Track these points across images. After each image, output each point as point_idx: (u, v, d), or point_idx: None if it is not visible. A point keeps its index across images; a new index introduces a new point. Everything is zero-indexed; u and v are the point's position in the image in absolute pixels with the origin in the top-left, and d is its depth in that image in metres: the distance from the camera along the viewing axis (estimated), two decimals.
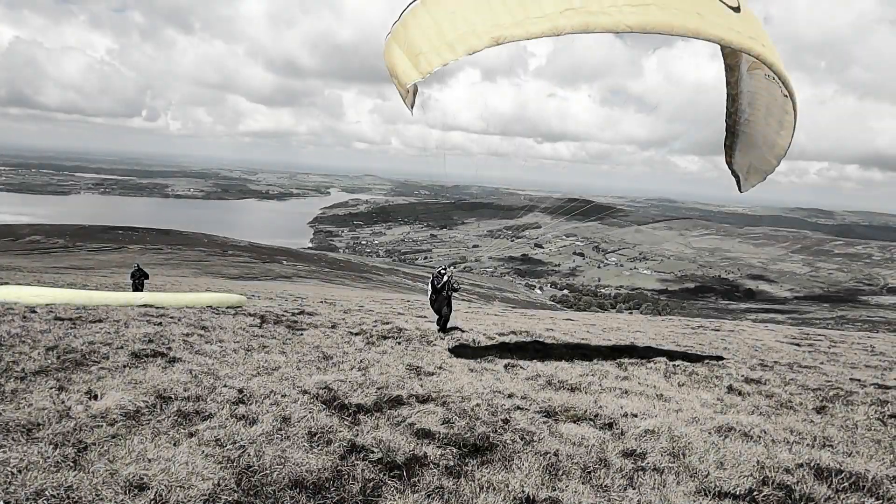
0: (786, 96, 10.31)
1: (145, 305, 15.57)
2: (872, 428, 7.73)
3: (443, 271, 15.03)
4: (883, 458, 6.31)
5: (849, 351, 16.84)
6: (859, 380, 11.33)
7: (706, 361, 12.71)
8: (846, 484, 5.46)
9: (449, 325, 15.42)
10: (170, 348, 9.83)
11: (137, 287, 23.00)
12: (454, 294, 15.16)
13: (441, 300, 14.89)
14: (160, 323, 12.54)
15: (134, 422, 5.98)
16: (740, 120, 11.65)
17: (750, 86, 11.05)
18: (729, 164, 12.40)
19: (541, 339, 15.13)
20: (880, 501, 5.18)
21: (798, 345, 18.02)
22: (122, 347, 9.41)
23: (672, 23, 8.34)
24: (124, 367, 8.23)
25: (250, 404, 6.85)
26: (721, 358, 13.61)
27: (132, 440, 5.45)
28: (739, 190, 12.63)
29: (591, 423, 7.17)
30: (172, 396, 6.86)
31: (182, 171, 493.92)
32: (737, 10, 9.40)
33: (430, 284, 15.05)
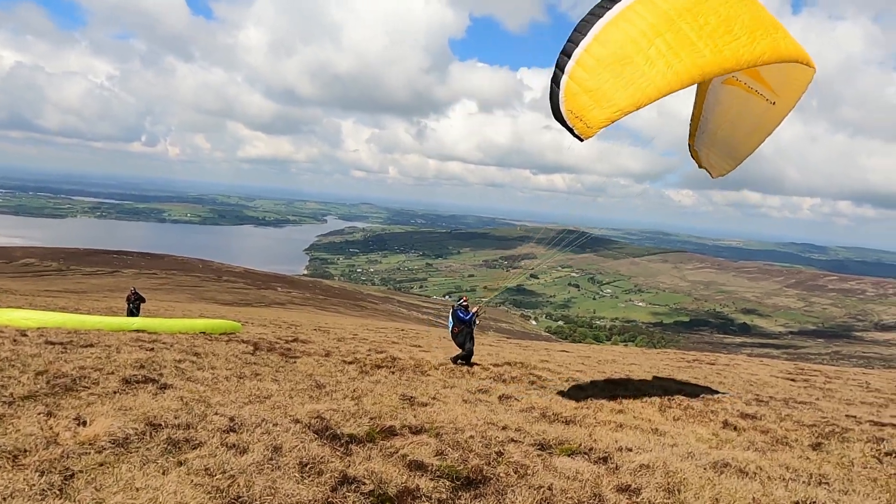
0: (772, 103, 10.59)
1: (138, 330, 15.44)
2: (869, 466, 7.67)
3: (465, 303, 14.69)
4: (879, 497, 6.26)
5: (844, 387, 16.78)
6: (855, 416, 11.27)
7: (701, 396, 12.64)
8: None
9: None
10: (161, 374, 9.72)
11: (133, 311, 22.83)
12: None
13: (465, 333, 14.54)
14: (152, 349, 12.43)
15: (122, 449, 5.89)
16: (705, 126, 12.01)
17: (721, 94, 11.32)
18: (696, 158, 12.65)
19: (535, 371, 15.03)
20: None
21: (793, 380, 17.96)
22: (112, 373, 9.30)
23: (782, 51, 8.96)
24: (114, 393, 8.14)
25: (241, 433, 6.77)
26: (716, 392, 13.54)
27: (120, 468, 5.37)
28: (711, 176, 12.81)
29: (586, 456, 7.10)
30: (162, 424, 6.77)
31: (179, 196, 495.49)
32: None
33: (451, 316, 14.63)
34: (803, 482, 6.60)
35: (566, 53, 9.13)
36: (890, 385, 17.91)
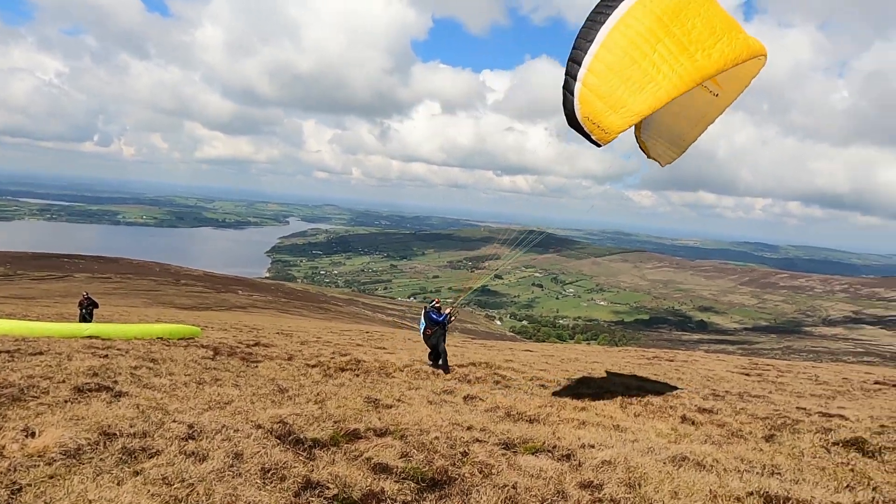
0: (716, 95, 10.93)
1: (91, 337, 14.91)
2: (818, 455, 8.00)
3: (437, 305, 14.58)
4: (827, 485, 6.53)
5: (795, 380, 17.44)
6: (805, 408, 11.74)
7: (661, 392, 12.96)
8: None
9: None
10: (116, 382, 9.41)
11: (85, 317, 22.02)
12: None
13: (438, 334, 14.42)
14: (106, 355, 12.02)
15: (74, 460, 5.67)
16: (650, 117, 12.38)
17: None
18: (644, 149, 12.96)
19: (500, 371, 15.14)
20: None
21: (748, 374, 18.57)
22: (63, 381, 8.96)
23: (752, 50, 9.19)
24: (65, 402, 7.83)
25: (201, 440, 6.60)
26: (675, 388, 13.90)
27: (72, 480, 5.17)
28: (661, 165, 13.10)
29: (550, 454, 7.19)
30: (117, 433, 6.55)
31: (135, 197, 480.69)
32: None
33: (424, 317, 14.47)
34: (757, 473, 6.83)
35: (575, 61, 9.19)
36: (837, 378, 18.70)
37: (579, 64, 9.16)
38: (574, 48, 9.27)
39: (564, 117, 9.53)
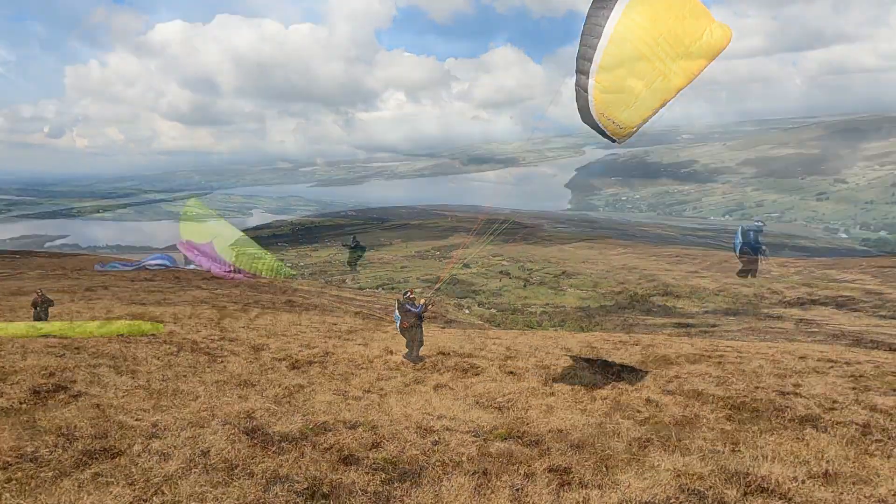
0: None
1: (46, 336, 14.39)
2: (775, 432, 8.30)
3: (411, 296, 14.38)
4: (784, 461, 6.78)
5: (753, 361, 18.02)
6: (763, 387, 12.15)
7: (627, 375, 13.23)
8: (753, 487, 5.83)
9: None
10: (74, 382, 9.12)
11: (40, 315, 21.23)
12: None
13: (416, 326, 14.28)
14: (63, 355, 11.61)
15: (32, 465, 5.48)
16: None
17: None
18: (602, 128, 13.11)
19: (470, 359, 15.22)
20: (783, 501, 5.56)
21: (709, 356, 19.10)
22: (17, 383, 8.63)
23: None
24: (20, 404, 7.56)
25: (165, 438, 6.47)
26: (640, 371, 14.21)
27: (29, 485, 5.00)
28: (618, 142, 13.30)
29: (520, 440, 7.28)
30: (77, 435, 6.36)
31: (91, 190, 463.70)
32: None
33: (399, 311, 14.21)
34: (718, 451, 7.06)
35: (585, 57, 9.14)
36: (792, 357, 19.42)
37: (590, 60, 9.15)
38: (582, 44, 9.25)
39: (578, 113, 9.53)
